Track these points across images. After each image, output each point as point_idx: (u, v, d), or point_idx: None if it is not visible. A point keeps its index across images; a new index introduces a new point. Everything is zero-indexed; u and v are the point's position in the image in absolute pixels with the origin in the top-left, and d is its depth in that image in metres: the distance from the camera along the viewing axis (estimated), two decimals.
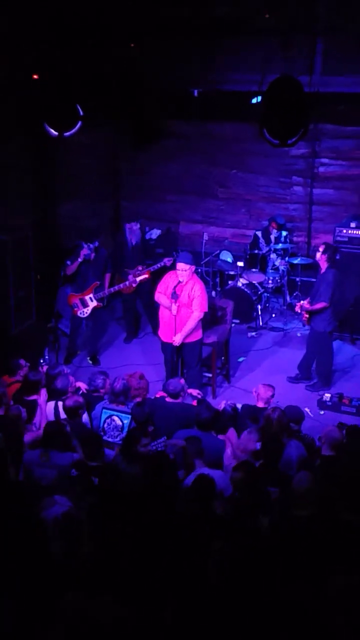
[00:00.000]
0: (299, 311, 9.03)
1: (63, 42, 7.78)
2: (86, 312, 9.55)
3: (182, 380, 7.54)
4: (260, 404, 7.32)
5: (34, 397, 7.30)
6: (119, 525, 4.84)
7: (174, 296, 8.20)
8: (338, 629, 4.04)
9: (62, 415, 7.02)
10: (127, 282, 9.93)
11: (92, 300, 9.52)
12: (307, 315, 8.94)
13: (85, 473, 5.74)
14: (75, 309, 9.53)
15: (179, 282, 8.23)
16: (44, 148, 9.88)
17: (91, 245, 9.45)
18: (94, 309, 9.56)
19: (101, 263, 9.62)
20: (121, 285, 9.89)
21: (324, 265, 8.85)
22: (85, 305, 9.53)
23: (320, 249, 8.87)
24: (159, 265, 9.84)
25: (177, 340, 8.34)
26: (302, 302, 8.98)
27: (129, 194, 12.94)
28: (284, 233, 11.50)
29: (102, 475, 5.70)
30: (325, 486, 5.47)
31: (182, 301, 8.27)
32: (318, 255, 8.88)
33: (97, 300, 9.53)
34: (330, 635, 4.03)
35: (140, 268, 10.05)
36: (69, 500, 5.20)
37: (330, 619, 4.09)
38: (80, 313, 9.54)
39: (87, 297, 9.52)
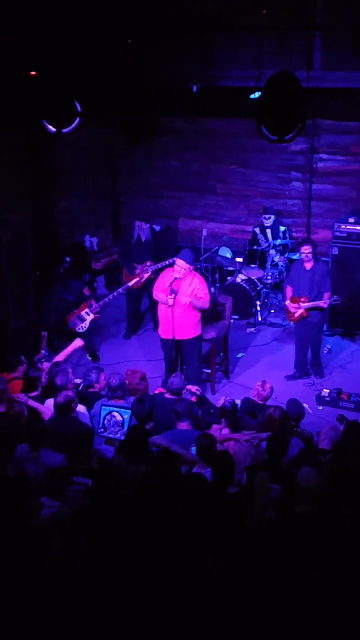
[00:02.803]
0: (300, 311, 9.00)
1: (60, 39, 7.76)
2: (85, 327, 9.60)
3: (183, 377, 7.56)
4: (259, 401, 7.34)
5: (34, 394, 7.31)
6: (115, 524, 4.86)
7: (172, 292, 8.21)
8: (334, 625, 4.06)
9: None
10: (120, 290, 9.91)
11: (88, 315, 9.58)
12: (306, 314, 8.97)
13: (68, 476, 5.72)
14: (75, 326, 9.57)
15: (175, 278, 8.23)
16: (43, 145, 9.87)
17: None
18: (92, 321, 9.62)
19: (78, 287, 9.76)
20: (115, 294, 9.85)
21: (311, 262, 8.97)
22: (82, 320, 9.57)
23: (309, 250, 8.91)
24: (167, 262, 9.76)
25: (182, 300, 8.25)
26: (301, 303, 8.96)
27: (128, 191, 12.93)
28: (283, 228, 11.49)
29: (98, 475, 5.70)
30: (328, 483, 5.48)
31: (181, 297, 8.27)
32: (310, 256, 8.92)
33: (94, 313, 9.57)
34: (326, 631, 4.05)
35: (148, 264, 10.04)
36: (57, 500, 5.23)
37: (327, 615, 4.11)
38: (80, 329, 9.58)
39: (83, 313, 9.59)
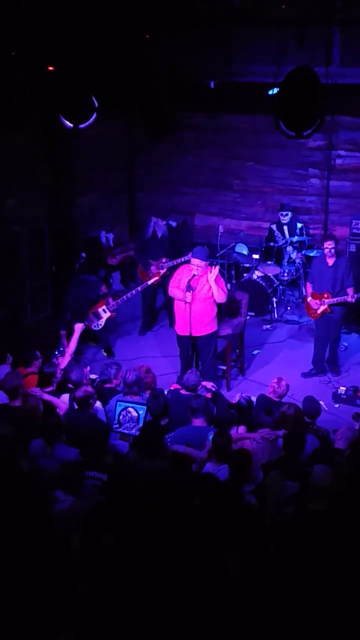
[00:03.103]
0: (323, 307, 8.95)
1: (79, 33, 7.76)
2: (100, 324, 9.58)
3: (198, 374, 7.55)
4: (274, 398, 7.32)
5: (49, 389, 7.32)
6: (130, 520, 4.87)
7: (190, 289, 8.20)
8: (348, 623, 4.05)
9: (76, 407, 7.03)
10: (139, 288, 9.88)
11: (105, 312, 9.54)
12: (329, 309, 8.93)
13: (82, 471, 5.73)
14: (90, 323, 9.53)
15: (193, 275, 8.22)
16: (60, 140, 9.89)
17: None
18: (108, 319, 9.60)
19: (97, 284, 9.75)
20: (133, 292, 9.84)
21: (334, 257, 8.93)
22: (98, 317, 9.53)
23: (332, 245, 8.85)
24: (182, 260, 9.74)
25: (213, 273, 8.26)
26: (324, 299, 8.92)
27: (144, 186, 12.93)
28: (299, 225, 11.44)
29: (113, 470, 5.71)
30: (342, 481, 5.46)
31: (199, 293, 8.27)
32: (332, 251, 8.85)
33: (111, 311, 9.56)
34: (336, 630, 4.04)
35: (164, 260, 10.03)
36: (71, 494, 5.24)
37: (341, 613, 4.10)
38: (95, 326, 9.55)
39: (100, 310, 9.53)
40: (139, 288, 9.86)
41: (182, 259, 9.63)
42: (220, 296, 8.38)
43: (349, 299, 8.85)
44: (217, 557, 4.49)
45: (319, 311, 9.02)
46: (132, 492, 5.38)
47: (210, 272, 8.28)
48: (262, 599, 4.20)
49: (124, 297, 9.71)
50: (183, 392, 7.29)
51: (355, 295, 8.84)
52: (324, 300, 8.93)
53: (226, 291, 8.54)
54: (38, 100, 8.82)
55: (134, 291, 9.81)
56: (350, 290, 8.87)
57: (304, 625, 4.08)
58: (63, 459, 5.97)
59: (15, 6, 7.30)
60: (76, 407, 6.77)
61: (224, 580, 4.35)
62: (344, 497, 5.24)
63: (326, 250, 8.91)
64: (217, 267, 8.38)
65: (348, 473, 5.68)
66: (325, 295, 8.92)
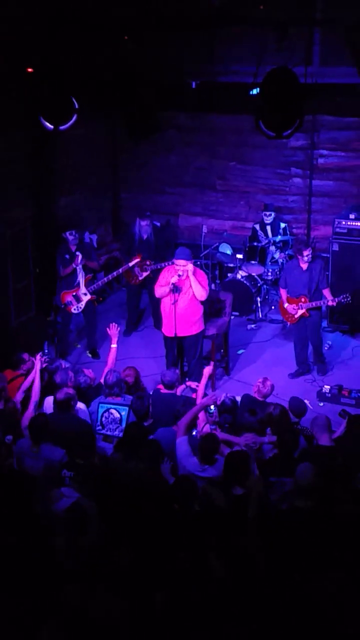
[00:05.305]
0: (301, 311, 8.97)
1: (58, 34, 7.75)
2: (80, 307, 9.48)
3: (178, 371, 7.56)
4: (259, 397, 7.33)
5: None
6: (117, 520, 4.87)
7: (176, 290, 8.19)
8: (334, 621, 4.06)
9: None
10: (120, 270, 9.84)
11: (85, 295, 9.45)
12: (307, 313, 8.95)
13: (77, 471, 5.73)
14: (70, 306, 9.43)
15: (179, 276, 8.21)
16: (43, 141, 9.87)
17: (76, 235, 9.40)
18: (88, 302, 9.50)
19: (87, 253, 9.62)
20: (114, 273, 9.81)
21: (308, 262, 8.92)
22: (79, 300, 9.45)
23: (310, 252, 8.89)
24: (165, 264, 9.69)
25: (190, 268, 8.20)
26: (301, 303, 8.94)
27: (128, 186, 12.91)
28: (283, 225, 11.45)
29: (98, 471, 5.71)
30: (325, 477, 5.50)
31: (184, 294, 8.28)
32: (307, 258, 8.87)
33: (91, 293, 9.49)
34: (326, 627, 4.05)
35: (148, 262, 10.00)
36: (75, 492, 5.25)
37: (327, 612, 4.12)
38: (75, 309, 9.45)
39: (79, 293, 9.43)
40: (120, 270, 9.83)
41: (166, 264, 9.59)
42: (200, 292, 8.32)
43: (330, 302, 8.90)
44: (202, 558, 4.50)
45: (296, 315, 9.04)
46: (118, 492, 5.39)
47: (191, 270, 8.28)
48: (249, 598, 4.21)
49: (105, 279, 9.68)
50: (164, 390, 7.30)
51: (336, 300, 8.87)
52: (301, 305, 8.94)
53: (207, 288, 8.49)
54: (21, 101, 8.78)
55: (115, 273, 9.80)
56: (326, 292, 8.89)
57: (292, 623, 4.10)
58: (49, 459, 5.98)
59: None
60: (57, 408, 6.76)
61: (209, 581, 4.36)
62: (328, 494, 5.28)
63: (306, 258, 8.90)
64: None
65: (333, 470, 5.72)
66: (303, 300, 8.93)
